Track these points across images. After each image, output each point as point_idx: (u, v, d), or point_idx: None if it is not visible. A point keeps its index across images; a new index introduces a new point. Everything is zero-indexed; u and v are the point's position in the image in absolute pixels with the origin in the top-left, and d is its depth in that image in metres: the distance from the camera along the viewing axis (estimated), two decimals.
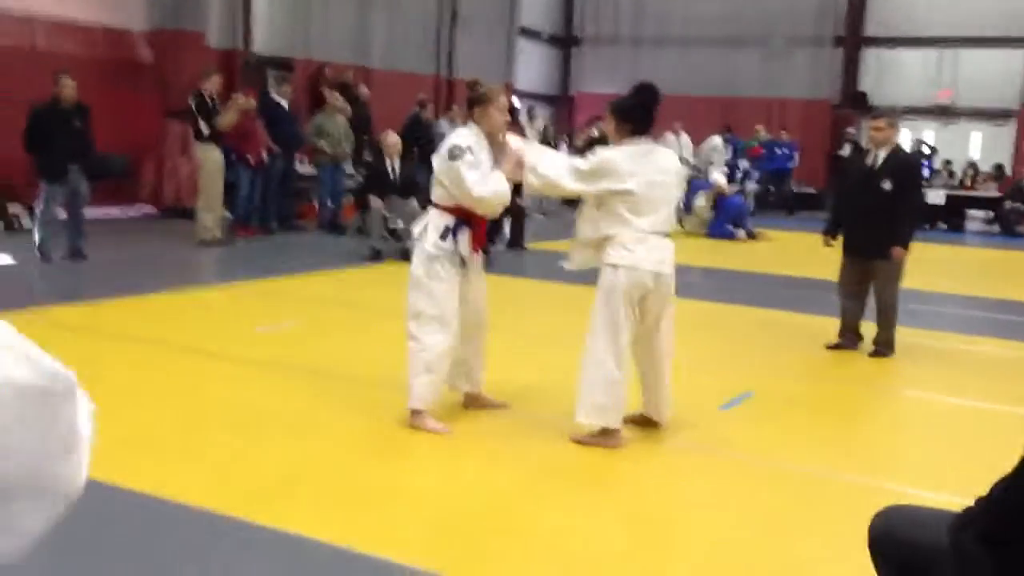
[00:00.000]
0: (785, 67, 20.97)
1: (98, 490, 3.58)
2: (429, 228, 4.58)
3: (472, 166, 4.44)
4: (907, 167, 6.72)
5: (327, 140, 12.51)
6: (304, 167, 13.15)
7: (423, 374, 4.57)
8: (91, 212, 9.87)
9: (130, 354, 5.83)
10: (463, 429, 4.65)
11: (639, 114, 4.48)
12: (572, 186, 4.46)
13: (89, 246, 9.15)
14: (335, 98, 12.94)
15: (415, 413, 4.61)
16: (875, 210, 6.51)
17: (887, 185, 6.49)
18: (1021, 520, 2.08)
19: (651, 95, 4.50)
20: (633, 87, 4.56)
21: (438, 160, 4.56)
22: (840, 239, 6.86)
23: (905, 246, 6.51)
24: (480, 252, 4.80)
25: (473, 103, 4.66)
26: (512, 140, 4.63)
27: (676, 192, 4.67)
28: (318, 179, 12.79)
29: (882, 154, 6.58)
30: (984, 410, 5.54)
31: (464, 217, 4.57)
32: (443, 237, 4.54)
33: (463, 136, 4.57)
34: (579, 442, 4.51)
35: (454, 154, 4.45)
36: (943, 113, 20.19)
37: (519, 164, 4.49)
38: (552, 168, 4.51)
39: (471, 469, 4.22)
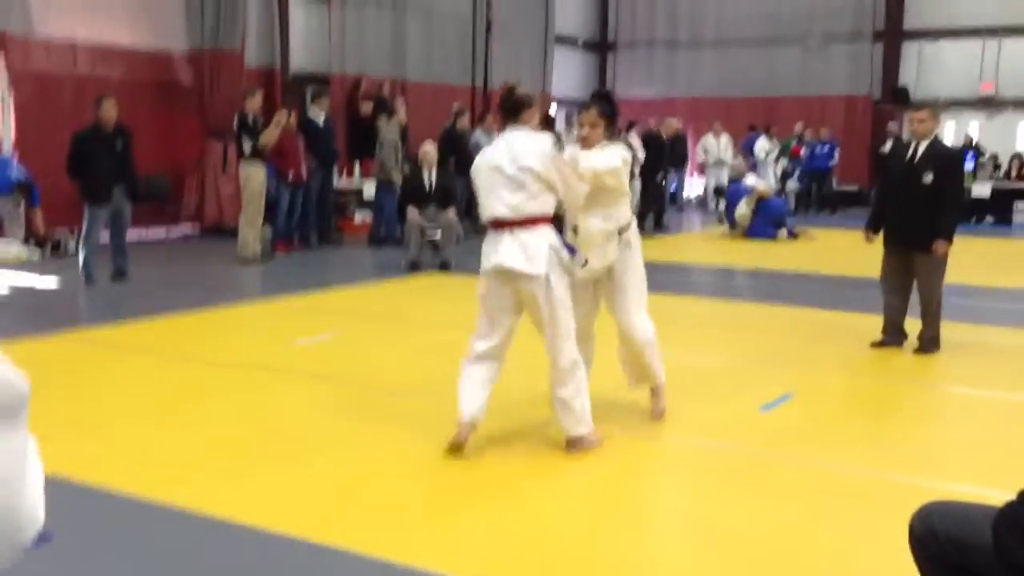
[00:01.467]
0: (824, 64, 20.71)
1: (144, 508, 3.64)
2: (556, 247, 4.29)
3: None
4: (947, 159, 6.58)
5: (388, 154, 12.52)
6: (342, 181, 13.20)
7: (585, 394, 4.41)
8: (134, 233, 10.03)
9: (173, 371, 5.89)
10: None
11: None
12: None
13: (132, 267, 9.29)
14: (399, 114, 12.93)
15: (580, 439, 4.38)
16: (916, 203, 6.39)
17: (928, 178, 6.36)
18: None
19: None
20: (599, 91, 4.93)
21: (540, 160, 4.23)
22: (881, 234, 6.74)
23: (948, 239, 6.38)
24: None
25: (523, 106, 4.41)
26: None
27: None
28: (377, 194, 12.74)
29: (922, 146, 6.46)
30: None
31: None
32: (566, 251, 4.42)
33: (544, 136, 4.42)
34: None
35: (557, 144, 4.41)
36: (987, 104, 19.80)
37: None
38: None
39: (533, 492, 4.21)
